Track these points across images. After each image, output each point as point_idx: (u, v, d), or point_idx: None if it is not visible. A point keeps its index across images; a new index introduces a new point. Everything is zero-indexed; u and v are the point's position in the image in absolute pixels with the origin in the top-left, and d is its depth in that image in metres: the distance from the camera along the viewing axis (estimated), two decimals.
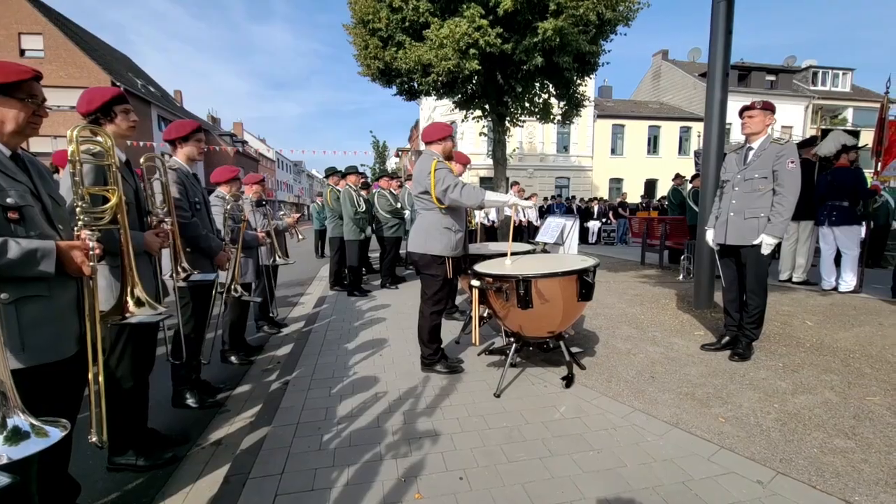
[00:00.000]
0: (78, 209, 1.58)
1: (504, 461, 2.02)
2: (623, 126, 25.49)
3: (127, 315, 1.71)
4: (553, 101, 11.31)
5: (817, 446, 2.08)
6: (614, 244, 14.56)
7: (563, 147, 25.03)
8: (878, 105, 5.24)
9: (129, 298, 1.72)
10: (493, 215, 10.08)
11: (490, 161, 12.87)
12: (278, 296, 6.33)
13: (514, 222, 9.61)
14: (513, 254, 2.77)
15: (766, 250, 2.90)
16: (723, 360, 3.16)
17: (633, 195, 21.52)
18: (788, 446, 2.08)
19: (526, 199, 10.86)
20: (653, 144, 26.05)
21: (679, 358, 3.26)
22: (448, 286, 2.91)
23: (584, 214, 15.52)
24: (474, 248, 3.48)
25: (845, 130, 5.65)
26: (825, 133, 5.73)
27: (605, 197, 21.41)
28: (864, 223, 4.91)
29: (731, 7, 3.87)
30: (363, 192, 6.97)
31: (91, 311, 1.55)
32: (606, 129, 25.24)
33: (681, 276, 6.36)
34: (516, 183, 10.63)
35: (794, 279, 5.61)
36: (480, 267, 2.73)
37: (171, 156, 2.78)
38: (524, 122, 12.04)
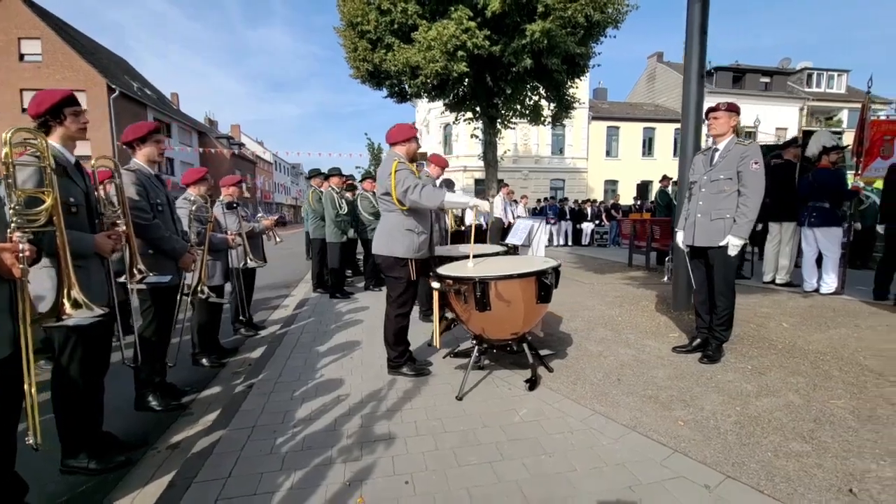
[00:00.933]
0: (11, 211, 1.56)
1: (454, 465, 2.00)
2: (618, 128, 25.52)
3: (63, 317, 1.69)
4: (543, 102, 11.32)
5: (772, 450, 2.05)
6: (607, 246, 14.55)
7: (559, 149, 25.06)
8: (878, 107, 5.22)
9: (65, 300, 1.70)
10: (481, 217, 10.05)
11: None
12: (262, 298, 6.33)
13: (504, 224, 9.58)
14: (476, 256, 2.75)
15: (732, 251, 2.88)
16: (692, 363, 3.14)
17: (629, 197, 21.50)
18: (743, 450, 2.06)
19: (514, 201, 10.86)
20: (648, 146, 26.09)
21: (649, 360, 3.24)
22: (413, 288, 2.89)
23: (578, 216, 15.52)
24: (443, 251, 3.46)
25: (832, 132, 5.64)
26: (807, 134, 5.72)
27: (601, 198, 21.41)
28: (844, 224, 4.89)
29: (706, 7, 3.87)
30: (349, 194, 6.97)
31: (24, 313, 1.53)
32: (601, 130, 25.26)
33: (665, 278, 6.33)
34: (506, 185, 10.62)
35: (778, 280, 5.59)
36: (442, 269, 2.71)
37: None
38: (515, 124, 12.05)
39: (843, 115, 26.59)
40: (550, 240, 14.94)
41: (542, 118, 11.45)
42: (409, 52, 8.94)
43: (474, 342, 2.76)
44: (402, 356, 3.00)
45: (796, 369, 2.95)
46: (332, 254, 5.90)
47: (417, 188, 2.59)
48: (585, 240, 15.16)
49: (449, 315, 2.91)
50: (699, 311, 3.27)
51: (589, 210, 15.74)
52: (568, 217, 15.26)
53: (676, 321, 4.16)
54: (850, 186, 5.05)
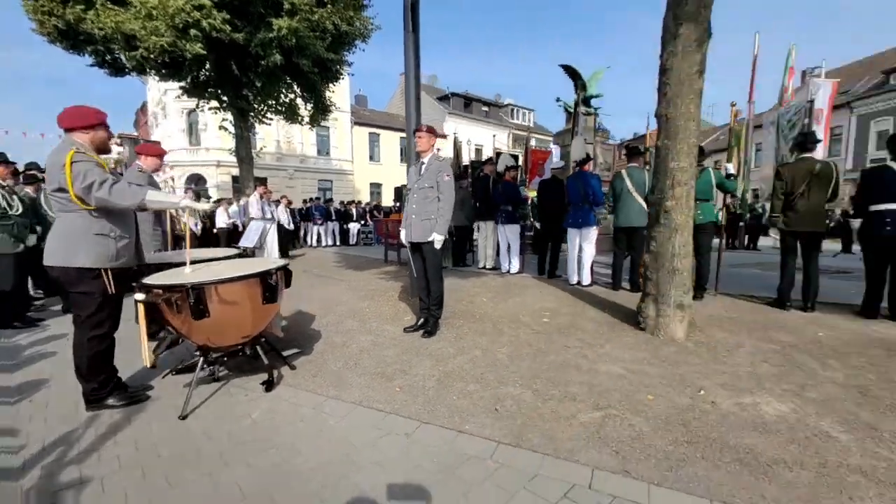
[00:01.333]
0: None
1: (165, 488, 1.86)
2: (378, 135, 27.47)
3: None
4: (300, 101, 11.16)
5: (456, 394, 2.71)
6: (372, 244, 15.52)
7: (325, 150, 25.13)
8: (548, 138, 7.32)
9: None
10: (237, 219, 9.20)
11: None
12: None
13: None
14: (195, 262, 2.56)
15: (437, 245, 3.62)
16: (416, 339, 3.77)
17: (390, 199, 23.47)
18: (438, 399, 2.65)
19: (275, 201, 10.35)
20: (403, 154, 29.04)
21: (384, 342, 3.72)
22: (110, 305, 2.44)
23: (344, 216, 16.01)
24: (157, 258, 3.06)
25: (511, 155, 7.68)
26: (498, 155, 7.65)
27: (367, 200, 22.63)
28: (521, 223, 6.75)
29: (418, 46, 4.66)
30: (28, 189, 5.29)
31: None
32: (364, 136, 26.68)
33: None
34: (262, 184, 9.98)
35: (487, 266, 7.25)
36: (151, 278, 2.42)
37: None
38: (271, 120, 11.45)
39: (533, 143, 36.15)
40: (319, 240, 14.90)
41: (299, 118, 11.27)
42: (123, 16, 7.32)
43: (198, 353, 2.57)
44: (104, 387, 2.51)
45: (483, 331, 3.94)
46: (3, 268, 4.33)
47: (106, 184, 2.20)
48: (353, 239, 15.78)
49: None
50: (421, 295, 3.95)
51: (354, 211, 16.44)
52: (334, 218, 15.53)
53: (412, 306, 4.87)
54: (524, 195, 7.00)
